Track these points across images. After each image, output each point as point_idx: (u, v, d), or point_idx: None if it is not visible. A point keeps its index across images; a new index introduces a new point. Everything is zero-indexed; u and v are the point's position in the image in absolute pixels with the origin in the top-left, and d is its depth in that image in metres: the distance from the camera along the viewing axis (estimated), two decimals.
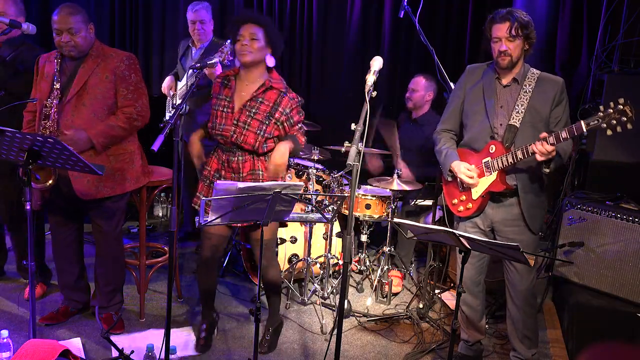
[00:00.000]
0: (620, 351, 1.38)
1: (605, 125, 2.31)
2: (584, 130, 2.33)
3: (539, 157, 2.42)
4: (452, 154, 2.75)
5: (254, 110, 2.66)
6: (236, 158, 2.68)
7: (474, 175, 2.64)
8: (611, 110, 2.30)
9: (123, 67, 2.81)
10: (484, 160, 2.64)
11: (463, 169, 2.66)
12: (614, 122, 2.30)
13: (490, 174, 2.62)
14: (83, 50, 2.79)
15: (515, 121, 2.58)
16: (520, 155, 2.49)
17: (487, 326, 3.06)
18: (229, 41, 3.56)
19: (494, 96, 2.65)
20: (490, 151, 2.63)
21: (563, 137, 2.37)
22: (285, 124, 2.71)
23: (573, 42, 4.01)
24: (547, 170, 2.51)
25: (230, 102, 2.69)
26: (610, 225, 3.09)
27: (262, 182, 2.65)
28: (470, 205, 2.71)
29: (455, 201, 2.78)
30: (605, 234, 3.11)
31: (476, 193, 2.68)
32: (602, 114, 2.32)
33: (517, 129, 2.58)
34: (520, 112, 2.58)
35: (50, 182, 2.72)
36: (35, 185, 2.72)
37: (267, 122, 2.65)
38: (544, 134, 2.41)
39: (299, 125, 2.82)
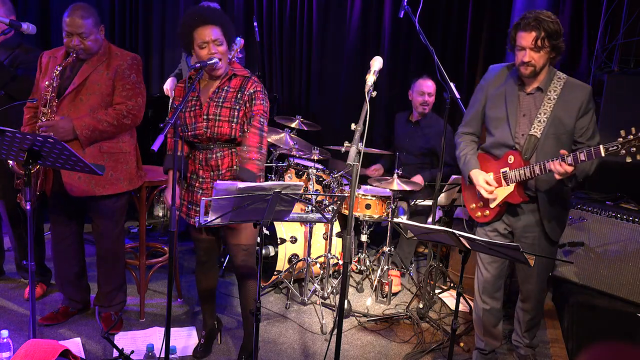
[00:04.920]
0: (620, 351, 1.38)
1: (624, 151, 2.23)
2: (603, 155, 2.25)
3: (556, 176, 2.36)
4: (472, 161, 2.68)
5: (221, 100, 2.56)
6: (214, 155, 2.58)
7: (493, 190, 2.58)
8: (631, 137, 2.21)
9: (125, 66, 2.82)
10: (502, 170, 2.57)
11: (482, 182, 2.59)
12: (634, 149, 2.21)
13: (508, 185, 2.55)
14: (92, 52, 2.79)
15: (537, 131, 2.48)
16: (537, 171, 2.42)
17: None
18: (238, 38, 3.56)
19: (516, 104, 2.54)
20: (509, 161, 2.55)
21: (581, 159, 2.29)
22: (247, 105, 2.56)
23: (573, 42, 4.01)
24: (570, 185, 2.47)
25: (197, 101, 2.59)
26: (610, 225, 3.09)
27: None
28: (487, 212, 2.66)
29: (473, 206, 2.73)
30: (605, 234, 3.11)
31: (493, 203, 2.62)
32: (622, 139, 2.23)
33: (538, 139, 2.49)
34: (542, 121, 2.48)
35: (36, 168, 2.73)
36: (16, 167, 2.75)
37: (237, 107, 2.54)
38: (564, 152, 2.33)
39: (260, 121, 2.57)
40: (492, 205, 2.63)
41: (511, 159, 2.55)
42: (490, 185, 2.58)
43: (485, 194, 2.59)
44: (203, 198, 2.25)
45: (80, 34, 2.72)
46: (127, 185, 2.93)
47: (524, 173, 2.48)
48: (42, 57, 2.92)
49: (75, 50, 2.75)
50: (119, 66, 2.81)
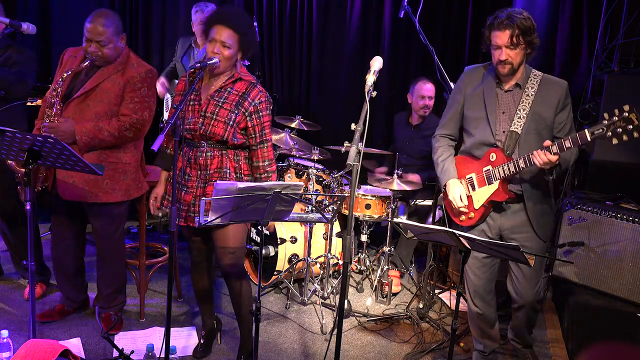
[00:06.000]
0: (620, 351, 1.38)
1: (610, 133, 2.22)
2: (588, 139, 2.25)
3: (540, 165, 2.35)
4: (449, 169, 2.68)
5: (222, 100, 2.55)
6: (204, 154, 2.57)
7: (465, 205, 2.60)
8: (616, 118, 2.21)
9: (137, 78, 2.79)
10: (484, 169, 2.57)
11: (457, 194, 2.61)
12: (620, 130, 2.21)
13: (492, 183, 2.54)
14: (109, 60, 2.78)
15: (517, 127, 2.49)
16: (522, 164, 2.42)
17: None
18: None
19: (495, 101, 2.55)
20: (491, 159, 2.55)
21: (567, 146, 2.29)
22: (253, 117, 2.58)
23: (573, 42, 4.00)
24: (551, 177, 2.45)
25: (197, 96, 2.58)
26: (610, 225, 3.09)
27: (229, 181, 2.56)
28: (472, 215, 2.64)
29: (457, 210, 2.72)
30: (605, 234, 3.11)
31: (478, 202, 2.61)
32: (606, 121, 2.23)
33: (519, 135, 2.49)
34: (522, 117, 2.49)
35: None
36: (15, 166, 2.74)
37: (235, 111, 2.54)
38: (548, 142, 2.33)
39: (269, 132, 2.66)
40: (476, 206, 2.62)
41: (493, 156, 2.55)
42: (463, 201, 2.60)
43: (457, 205, 2.61)
44: (203, 198, 2.25)
45: (99, 41, 2.70)
46: (122, 195, 2.89)
47: (508, 168, 2.48)
48: (65, 53, 2.92)
49: (92, 56, 2.74)
50: (131, 77, 2.78)
